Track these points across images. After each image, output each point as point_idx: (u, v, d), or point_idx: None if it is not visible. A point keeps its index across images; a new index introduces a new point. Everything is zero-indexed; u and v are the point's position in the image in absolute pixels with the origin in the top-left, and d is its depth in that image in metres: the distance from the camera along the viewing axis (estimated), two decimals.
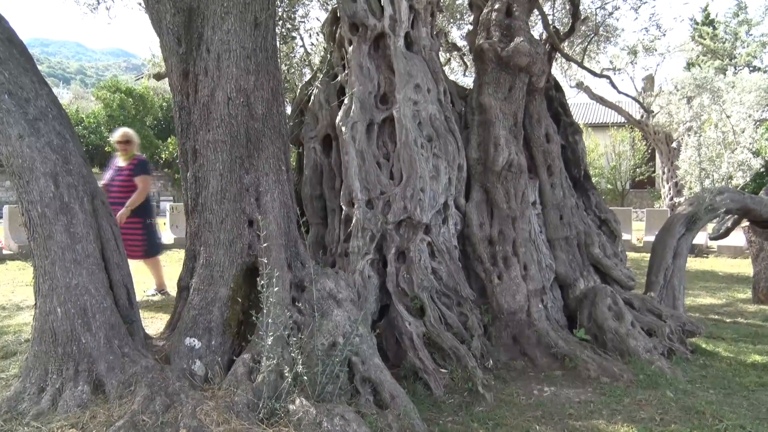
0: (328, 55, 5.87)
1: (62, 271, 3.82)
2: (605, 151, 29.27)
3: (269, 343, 3.61)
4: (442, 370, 4.76)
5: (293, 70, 7.93)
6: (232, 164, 4.29)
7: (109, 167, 7.35)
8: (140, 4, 8.48)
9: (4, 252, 11.52)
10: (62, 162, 3.96)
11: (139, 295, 5.38)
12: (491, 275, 5.60)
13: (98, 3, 8.45)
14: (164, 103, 33.86)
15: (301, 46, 8.43)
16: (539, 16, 8.94)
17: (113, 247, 4.14)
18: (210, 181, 4.30)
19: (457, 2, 11.11)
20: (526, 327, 5.48)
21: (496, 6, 6.12)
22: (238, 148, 4.30)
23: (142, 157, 7.50)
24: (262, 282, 3.81)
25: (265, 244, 4.12)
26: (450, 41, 11.13)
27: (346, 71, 5.68)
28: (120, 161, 7.25)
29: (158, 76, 9.15)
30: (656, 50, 16.67)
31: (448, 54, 11.87)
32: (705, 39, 27.59)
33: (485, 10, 6.25)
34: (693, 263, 12.51)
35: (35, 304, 4.04)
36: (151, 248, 7.44)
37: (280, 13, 7.03)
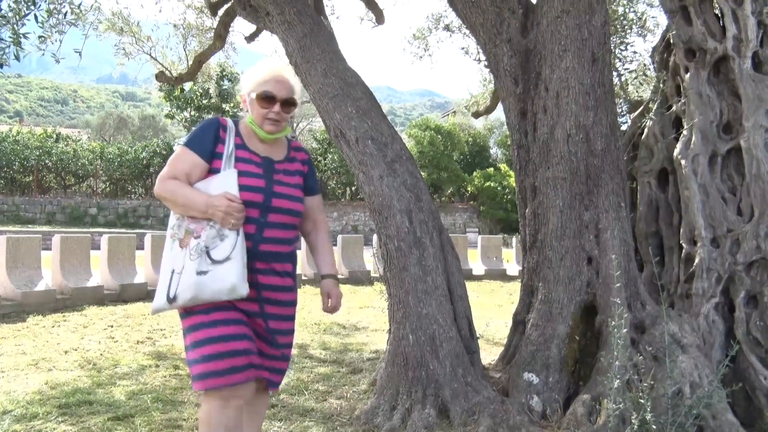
0: (660, 85, 5.58)
1: (415, 301, 4.16)
2: None
3: (616, 385, 3.50)
4: None
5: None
6: (572, 201, 4.29)
7: (224, 157, 2.67)
8: (462, 48, 9.06)
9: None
10: (415, 199, 4.34)
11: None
12: None
13: (424, 52, 9.35)
14: (470, 139, 35.47)
15: (617, 77, 8.20)
16: None
17: (457, 280, 4.40)
18: (550, 218, 4.35)
19: None
20: None
21: None
22: (578, 185, 4.29)
23: (299, 143, 3.10)
24: (606, 322, 3.72)
25: (613, 283, 4.02)
26: None
27: (682, 100, 5.34)
28: (259, 145, 2.79)
29: (476, 114, 9.61)
30: None
31: None
32: None
33: None
34: None
35: (389, 329, 4.46)
36: None
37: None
